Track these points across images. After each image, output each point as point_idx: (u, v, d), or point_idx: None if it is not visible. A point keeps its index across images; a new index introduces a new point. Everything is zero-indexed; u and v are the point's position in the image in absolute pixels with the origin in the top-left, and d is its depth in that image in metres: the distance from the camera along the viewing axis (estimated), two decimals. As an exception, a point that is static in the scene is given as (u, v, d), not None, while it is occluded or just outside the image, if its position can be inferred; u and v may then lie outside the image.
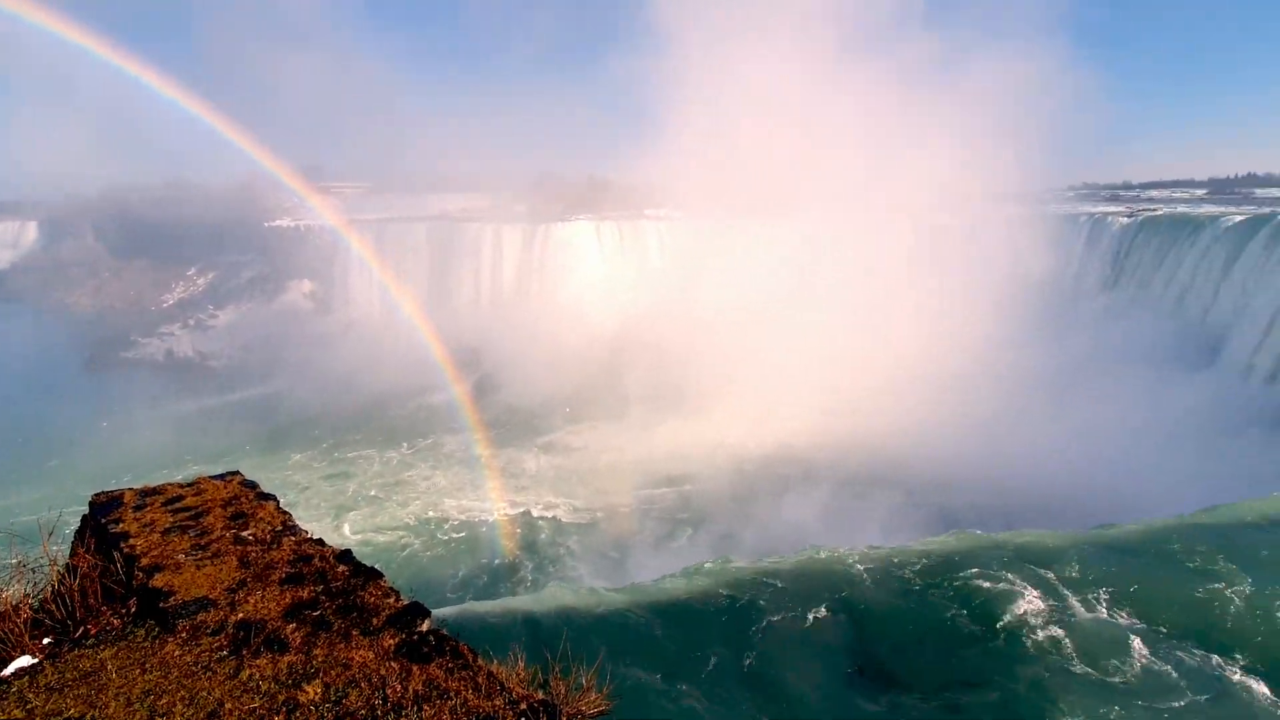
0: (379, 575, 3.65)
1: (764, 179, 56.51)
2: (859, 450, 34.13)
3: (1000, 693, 7.34)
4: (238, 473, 5.18)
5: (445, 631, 2.99)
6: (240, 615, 3.30)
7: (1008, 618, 8.07)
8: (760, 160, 58.16)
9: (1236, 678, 6.88)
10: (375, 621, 3.18)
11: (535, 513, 33.14)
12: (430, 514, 33.11)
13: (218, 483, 4.95)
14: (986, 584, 8.41)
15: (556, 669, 2.92)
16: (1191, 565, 8.37)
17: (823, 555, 12.65)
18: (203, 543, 4.06)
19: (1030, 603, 8.42)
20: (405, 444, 43.09)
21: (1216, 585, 8.31)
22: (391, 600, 3.38)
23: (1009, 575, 8.99)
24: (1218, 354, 38.64)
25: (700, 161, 63.10)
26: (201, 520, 4.36)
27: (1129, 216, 56.26)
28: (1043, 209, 61.57)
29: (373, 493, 36.34)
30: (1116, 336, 43.79)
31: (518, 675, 2.84)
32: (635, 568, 25.73)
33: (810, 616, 10.74)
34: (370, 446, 42.69)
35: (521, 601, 16.38)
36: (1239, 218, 46.73)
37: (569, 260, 64.98)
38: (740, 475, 34.04)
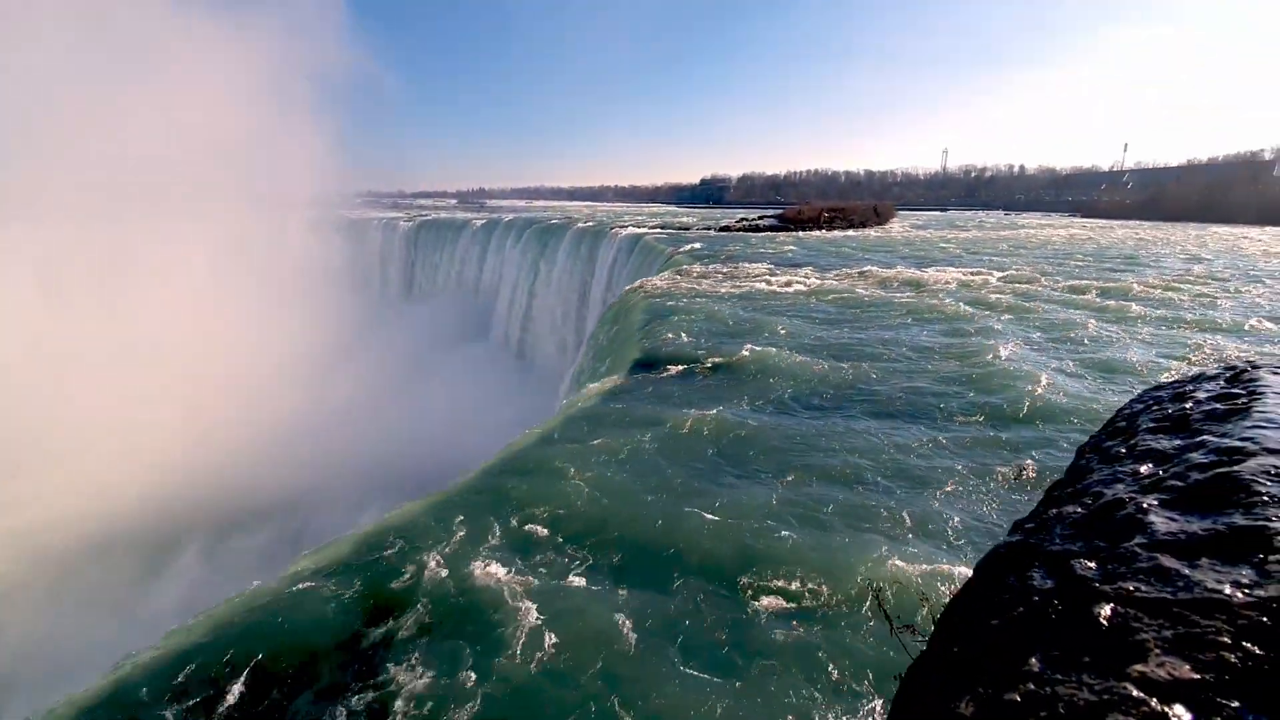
0: None
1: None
2: (222, 483, 27.11)
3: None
4: None
5: None
6: None
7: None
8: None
9: (565, 568, 7.41)
10: None
11: None
12: None
13: None
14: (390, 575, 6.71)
15: None
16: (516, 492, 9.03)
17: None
18: None
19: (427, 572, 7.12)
20: None
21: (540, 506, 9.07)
22: None
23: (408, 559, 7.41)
24: (490, 324, 48.70)
25: None
26: None
27: (409, 221, 64.95)
28: (339, 213, 64.02)
29: None
30: (420, 322, 49.96)
31: None
32: None
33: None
34: None
35: None
36: (481, 221, 60.23)
37: None
38: (59, 568, 22.12)
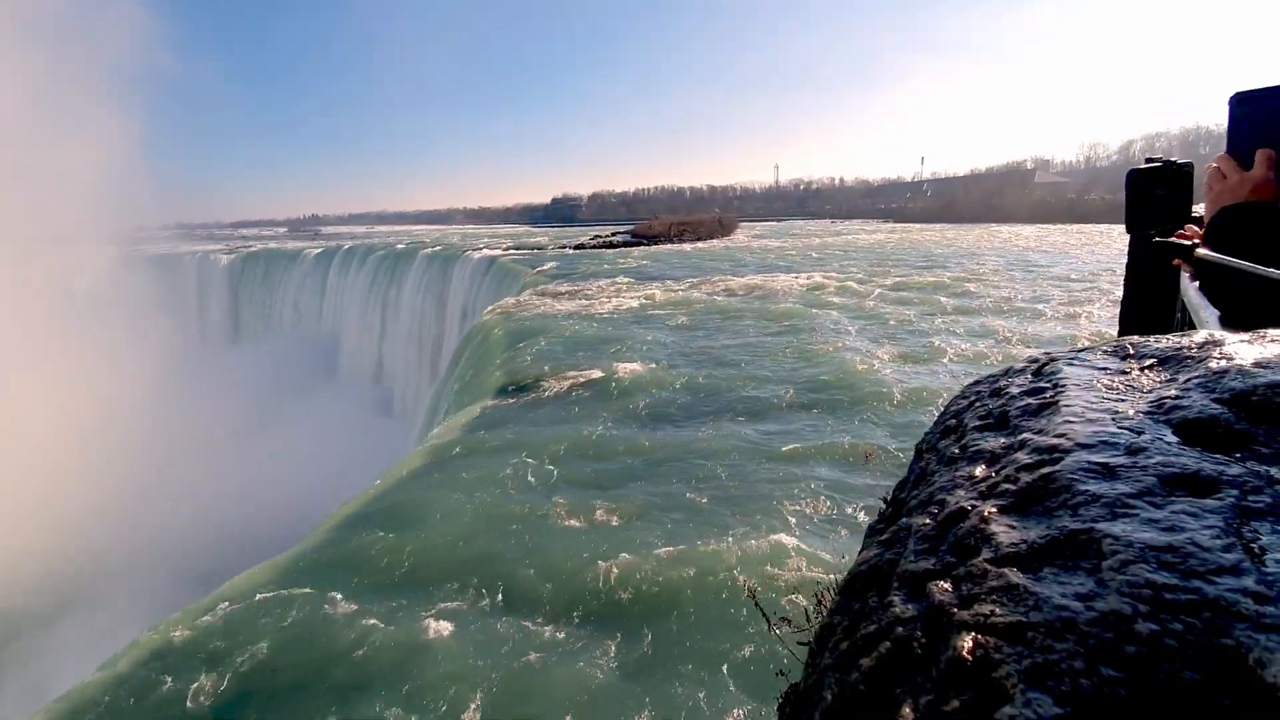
0: None
1: None
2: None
3: None
4: None
5: None
6: None
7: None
8: None
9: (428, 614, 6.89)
10: None
11: None
12: None
13: None
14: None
15: None
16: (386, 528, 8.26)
17: None
18: None
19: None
20: None
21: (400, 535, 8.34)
22: None
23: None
24: (337, 362, 45.09)
25: None
26: None
27: (229, 254, 58.54)
28: (145, 249, 56.34)
29: None
30: (252, 367, 44.97)
31: None
32: None
33: None
34: None
35: None
36: (317, 250, 55.79)
37: None
38: None
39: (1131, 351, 0.87)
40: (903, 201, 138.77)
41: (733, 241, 59.56)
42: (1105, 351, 0.90)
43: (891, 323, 19.05)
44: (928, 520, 0.74)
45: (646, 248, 51.65)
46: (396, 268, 43.87)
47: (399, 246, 50.39)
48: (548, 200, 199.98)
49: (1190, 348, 0.81)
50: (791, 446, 10.22)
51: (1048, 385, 0.90)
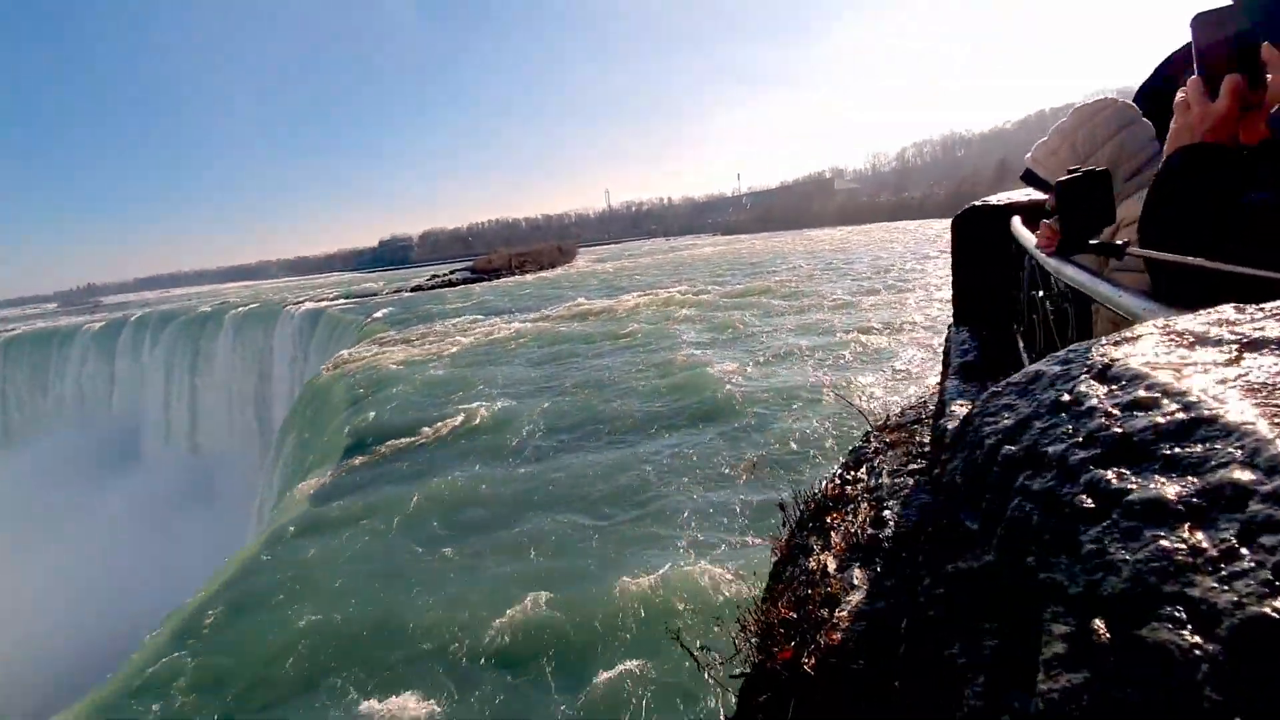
0: None
1: None
2: None
3: None
4: None
5: None
6: None
7: None
8: None
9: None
10: None
11: None
12: None
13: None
14: None
15: None
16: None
17: None
18: None
19: None
20: None
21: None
22: None
23: None
24: (139, 448, 38.83)
25: None
26: None
27: (-18, 340, 48.43)
28: None
29: None
30: (28, 468, 37.30)
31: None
32: None
33: None
34: None
35: None
36: (99, 324, 47.93)
37: None
38: None
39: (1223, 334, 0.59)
40: (727, 216, 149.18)
41: (575, 267, 60.16)
42: (1173, 334, 0.62)
43: (737, 328, 20.18)
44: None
45: (489, 283, 50.54)
46: (204, 333, 38.87)
47: (203, 309, 44.78)
48: (374, 243, 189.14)
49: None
50: (668, 465, 10.31)
51: (1157, 395, 0.57)
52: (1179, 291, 0.92)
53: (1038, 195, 3.38)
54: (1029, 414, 0.62)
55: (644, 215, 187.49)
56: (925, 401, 3.79)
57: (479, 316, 28.86)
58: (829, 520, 2.83)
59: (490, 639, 6.60)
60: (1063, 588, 0.44)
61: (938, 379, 3.91)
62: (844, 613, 1.99)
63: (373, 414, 15.06)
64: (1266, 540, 0.34)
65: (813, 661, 1.83)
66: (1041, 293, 1.97)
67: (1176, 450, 0.45)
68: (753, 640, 2.21)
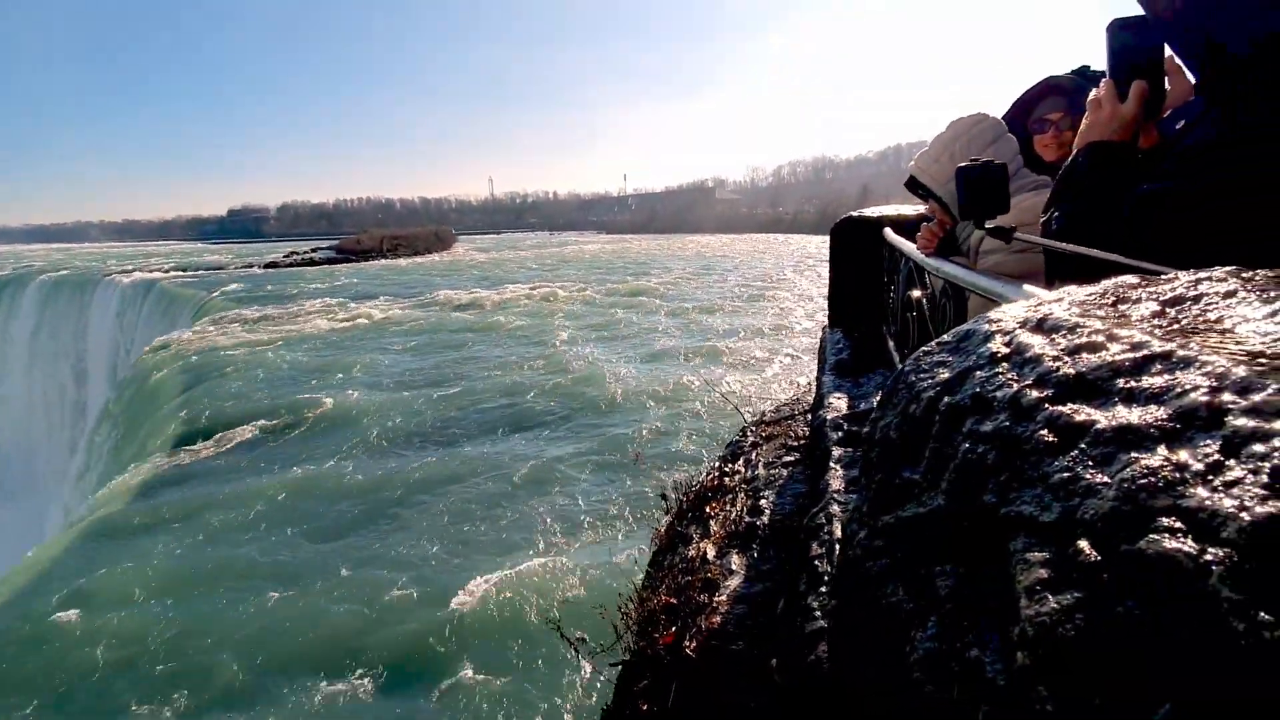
0: None
1: None
2: None
3: None
4: None
5: None
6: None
7: None
8: None
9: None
10: None
11: None
12: None
13: None
14: None
15: None
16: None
17: None
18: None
19: None
20: None
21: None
22: None
23: None
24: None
25: None
26: None
27: None
28: None
29: None
30: None
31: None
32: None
33: None
34: None
35: None
36: None
37: None
38: None
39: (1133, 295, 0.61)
40: (612, 215, 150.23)
41: (453, 255, 57.75)
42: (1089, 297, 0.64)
43: (618, 325, 20.32)
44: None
45: (356, 264, 47.18)
46: (0, 302, 32.97)
47: (1, 273, 37.99)
48: (223, 212, 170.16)
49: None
50: (547, 461, 10.10)
51: (1101, 339, 0.57)
52: (1072, 280, 1.00)
53: (907, 210, 3.69)
54: (968, 366, 0.61)
55: (528, 207, 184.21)
56: (798, 399, 3.97)
57: (344, 300, 26.82)
58: (708, 510, 2.89)
59: (340, 644, 6.10)
60: (1033, 518, 0.43)
61: (811, 378, 4.11)
62: (723, 597, 2.02)
63: (208, 401, 13.49)
64: (1256, 448, 0.34)
65: (694, 645, 1.84)
66: (918, 292, 2.11)
67: (1135, 384, 0.44)
68: (634, 628, 2.19)
